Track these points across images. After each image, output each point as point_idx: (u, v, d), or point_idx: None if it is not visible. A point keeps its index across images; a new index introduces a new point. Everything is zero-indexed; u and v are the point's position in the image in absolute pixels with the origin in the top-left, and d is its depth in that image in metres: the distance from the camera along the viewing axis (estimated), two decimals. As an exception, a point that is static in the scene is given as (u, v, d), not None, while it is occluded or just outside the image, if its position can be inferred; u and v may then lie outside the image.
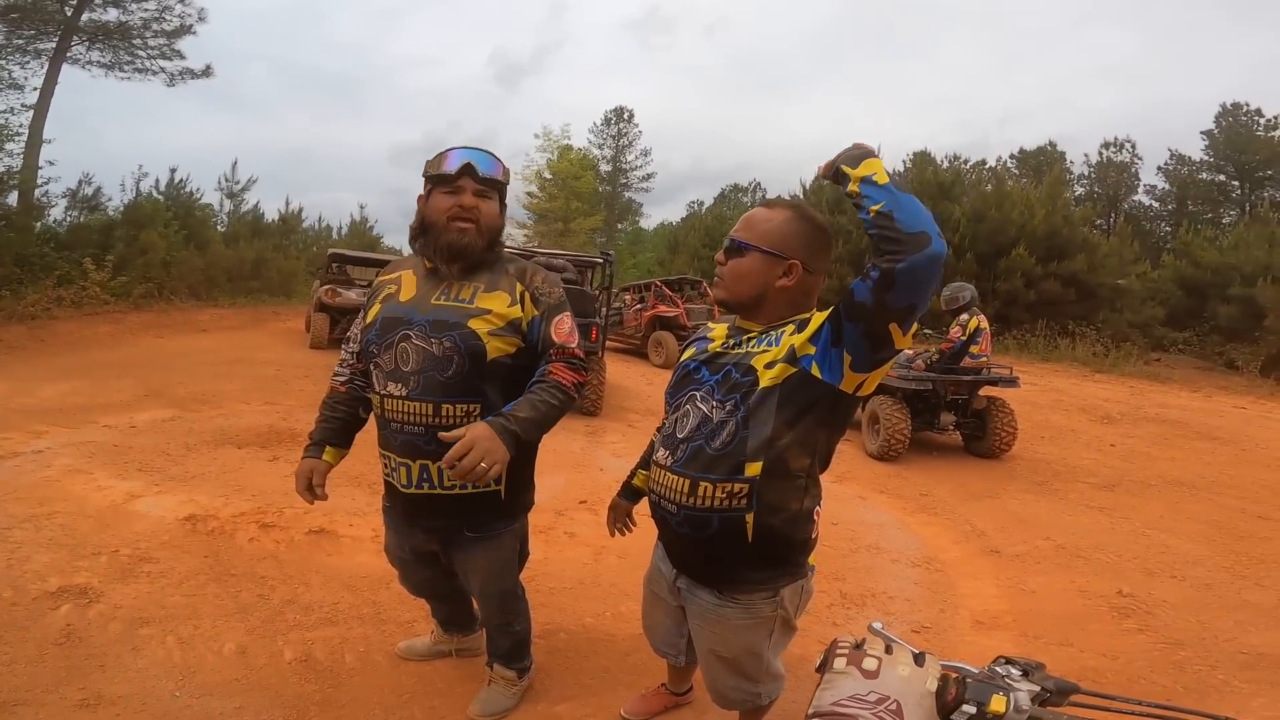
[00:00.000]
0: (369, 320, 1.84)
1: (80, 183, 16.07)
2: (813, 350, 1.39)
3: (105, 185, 16.79)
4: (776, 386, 1.42)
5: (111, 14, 15.58)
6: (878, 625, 0.97)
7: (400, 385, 1.73)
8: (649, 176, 43.40)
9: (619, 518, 2.00)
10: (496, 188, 1.80)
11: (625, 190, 43.27)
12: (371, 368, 1.82)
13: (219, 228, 20.16)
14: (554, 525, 3.76)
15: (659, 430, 1.83)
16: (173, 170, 18.33)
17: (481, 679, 2.20)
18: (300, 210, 24.75)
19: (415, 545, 1.98)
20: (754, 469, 1.43)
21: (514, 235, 29.16)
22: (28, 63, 14.66)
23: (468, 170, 1.72)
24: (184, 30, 16.36)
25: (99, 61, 16.04)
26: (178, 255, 15.15)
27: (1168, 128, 57.03)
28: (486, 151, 1.77)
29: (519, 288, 1.78)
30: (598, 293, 8.16)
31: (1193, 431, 7.98)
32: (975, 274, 16.12)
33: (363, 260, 13.31)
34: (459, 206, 1.73)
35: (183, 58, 16.70)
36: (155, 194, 17.46)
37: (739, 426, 1.44)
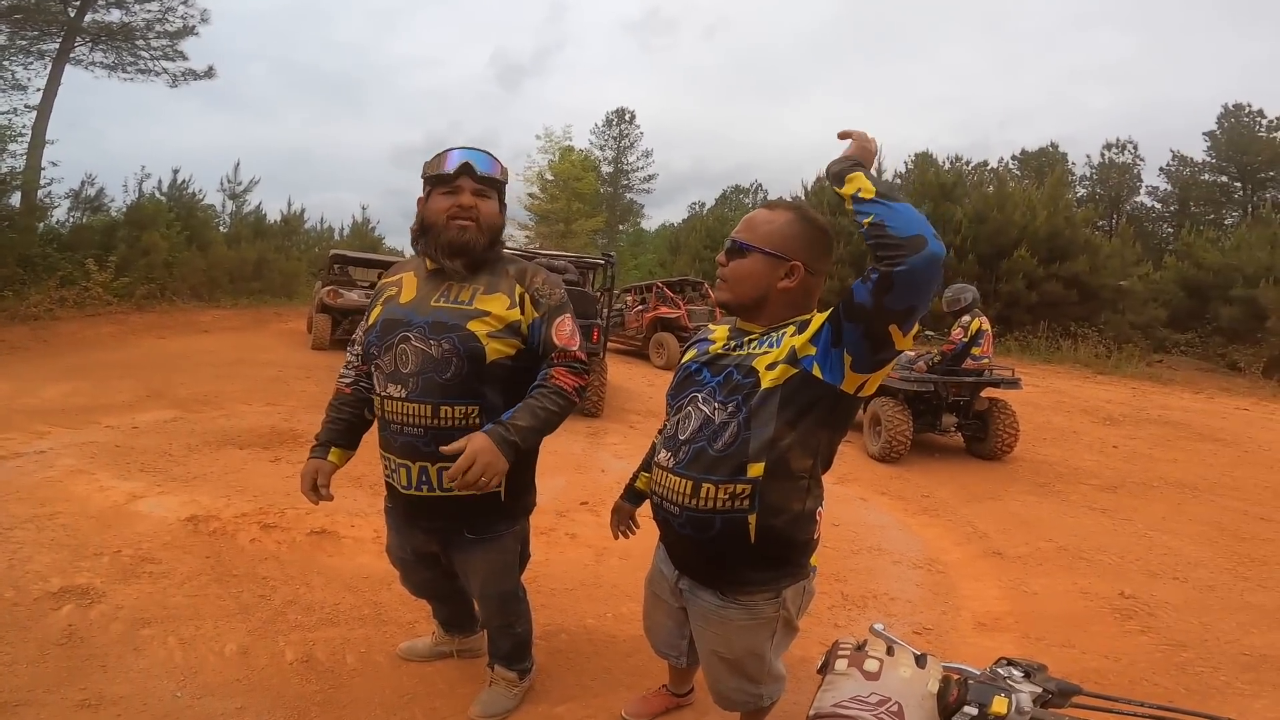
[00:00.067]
0: (370, 322, 1.85)
1: (83, 183, 16.11)
2: (813, 351, 1.39)
3: (108, 186, 16.83)
4: (778, 387, 1.42)
5: (115, 15, 15.62)
6: (879, 627, 0.97)
7: (400, 387, 1.73)
8: (650, 178, 43.47)
9: (622, 520, 2.00)
10: (495, 187, 1.80)
11: (626, 191, 43.30)
12: (372, 369, 1.82)
13: (221, 229, 20.21)
14: (555, 526, 3.76)
15: (660, 432, 1.83)
16: (175, 171, 18.40)
17: (482, 680, 2.20)
18: (302, 211, 24.84)
19: (416, 546, 1.98)
20: (756, 470, 1.43)
21: (515, 236, 29.19)
22: (31, 63, 14.66)
23: (466, 170, 1.73)
24: (187, 31, 16.39)
25: (102, 62, 16.08)
26: (180, 256, 15.18)
27: (1169, 129, 56.99)
28: (484, 151, 1.78)
29: (518, 289, 1.77)
30: (599, 294, 8.16)
31: (1195, 433, 7.97)
32: (977, 275, 16.10)
33: (364, 261, 13.32)
34: (458, 206, 1.73)
35: (185, 59, 16.73)
36: (158, 195, 17.49)
37: (741, 428, 1.44)
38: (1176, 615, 3.22)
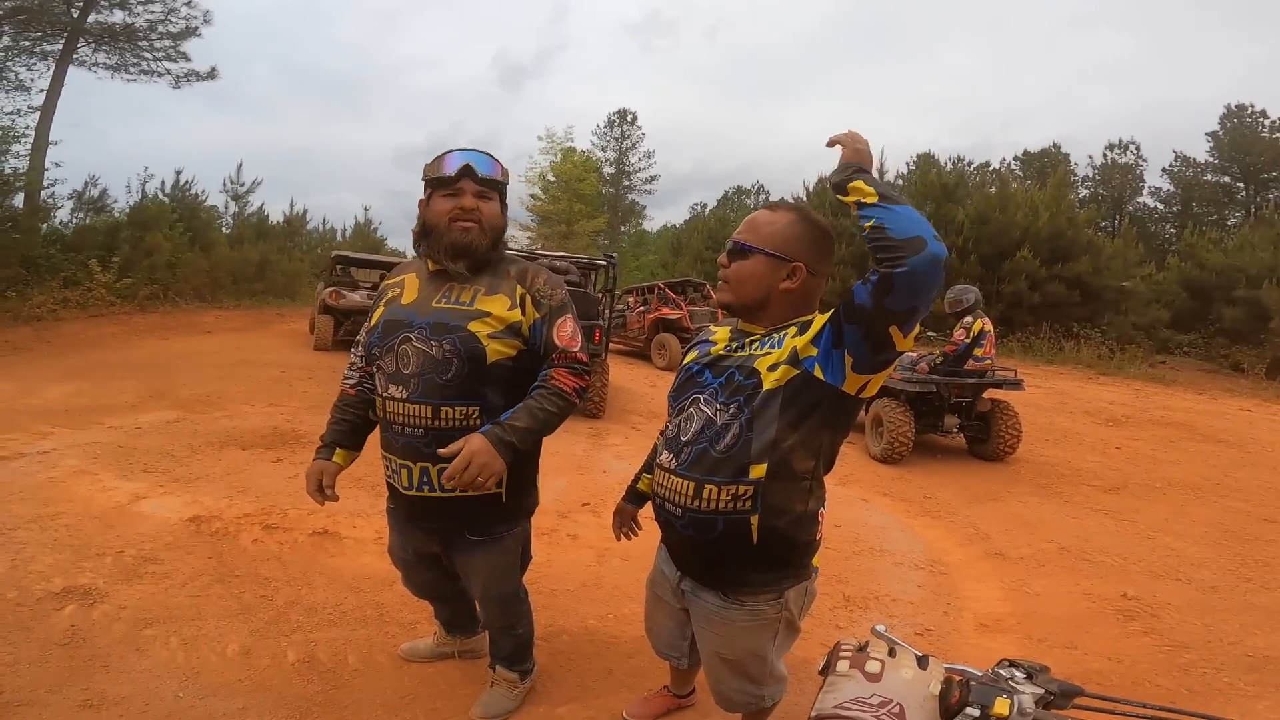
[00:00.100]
0: (373, 323, 1.85)
1: (86, 184, 16.14)
2: (815, 352, 1.39)
3: (111, 187, 16.83)
4: (780, 389, 1.42)
5: (117, 16, 15.64)
6: (881, 628, 0.97)
7: (401, 388, 1.74)
8: (652, 179, 43.41)
9: (624, 522, 2.00)
10: (496, 188, 1.80)
11: (628, 192, 43.26)
12: (375, 370, 1.83)
13: (224, 229, 20.25)
14: (557, 527, 3.76)
15: (662, 433, 1.83)
16: (178, 172, 18.46)
17: (484, 681, 2.20)
18: (305, 212, 24.91)
19: (418, 547, 1.99)
20: (759, 471, 1.44)
21: (517, 237, 29.23)
22: (34, 64, 14.67)
23: (467, 172, 1.73)
24: (189, 32, 16.41)
25: (105, 63, 16.11)
26: (183, 257, 15.21)
27: (1172, 129, 56.96)
28: (484, 152, 1.78)
29: (519, 290, 1.77)
30: (601, 295, 8.16)
31: (1198, 434, 7.95)
32: (979, 276, 16.08)
33: (366, 262, 13.34)
34: (460, 208, 1.73)
35: (188, 59, 16.76)
36: (161, 196, 17.54)
37: (743, 429, 1.44)
38: (1179, 616, 3.21)
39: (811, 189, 21.87)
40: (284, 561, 3.09)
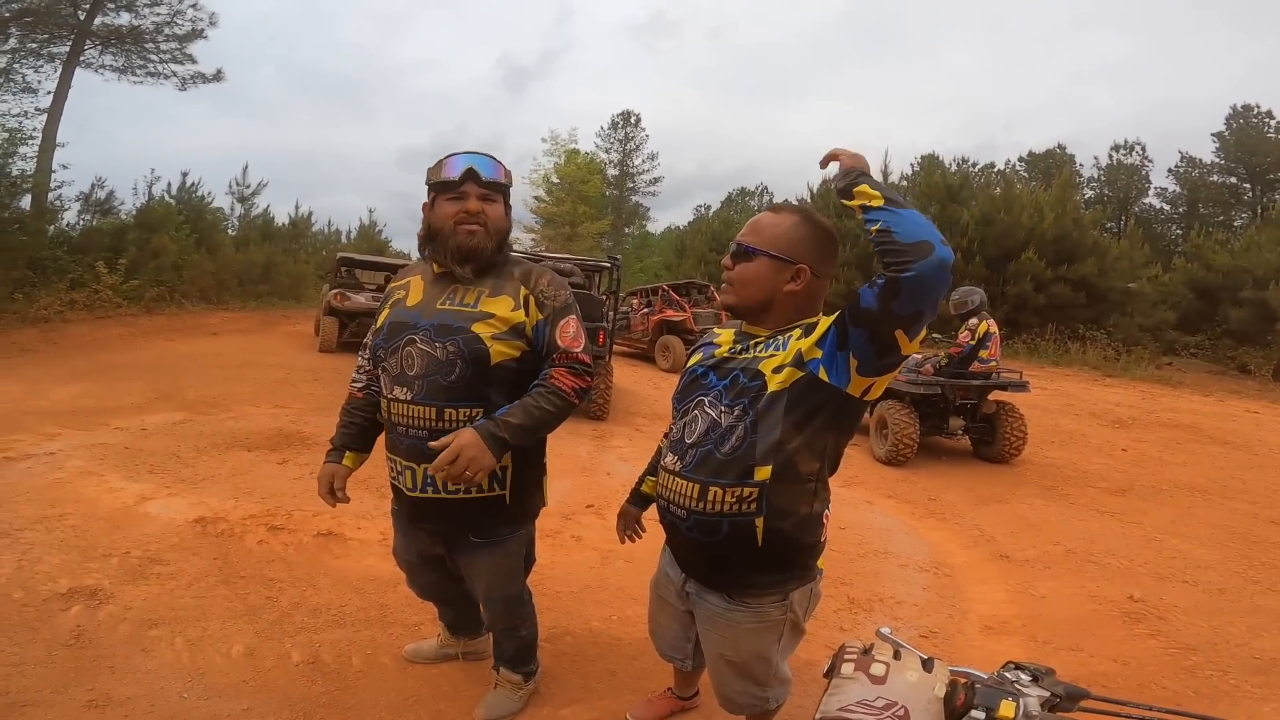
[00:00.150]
0: (378, 325, 1.86)
1: (93, 186, 16.20)
2: (819, 354, 1.39)
3: (117, 189, 16.91)
4: (784, 391, 1.42)
5: (124, 18, 15.73)
6: (886, 630, 0.97)
7: (405, 389, 1.74)
8: (655, 180, 43.40)
9: (628, 524, 2.00)
10: (500, 190, 1.80)
11: (632, 194, 43.26)
12: (380, 372, 1.83)
13: (229, 231, 20.31)
14: (561, 529, 3.76)
15: (666, 436, 1.83)
16: (184, 174, 18.49)
17: (488, 682, 2.20)
18: (310, 214, 24.96)
19: (422, 549, 1.99)
20: (763, 473, 1.43)
21: (521, 239, 29.27)
22: (41, 66, 14.74)
23: (470, 175, 1.73)
24: (195, 34, 16.50)
25: (111, 65, 16.19)
26: (189, 259, 15.25)
27: (1178, 130, 56.73)
28: (487, 155, 1.78)
29: (523, 291, 1.77)
30: (605, 297, 8.17)
31: (1205, 436, 7.91)
32: (984, 278, 16.04)
33: (371, 264, 13.36)
34: (465, 211, 1.73)
35: (194, 62, 16.85)
36: (167, 198, 17.60)
37: (748, 431, 1.44)
38: (1186, 619, 3.20)
39: (815, 190, 21.85)
40: (289, 563, 3.10)
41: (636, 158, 43.01)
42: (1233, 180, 30.78)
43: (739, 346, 1.56)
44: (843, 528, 4.11)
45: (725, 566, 1.54)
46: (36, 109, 14.08)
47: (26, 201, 12.57)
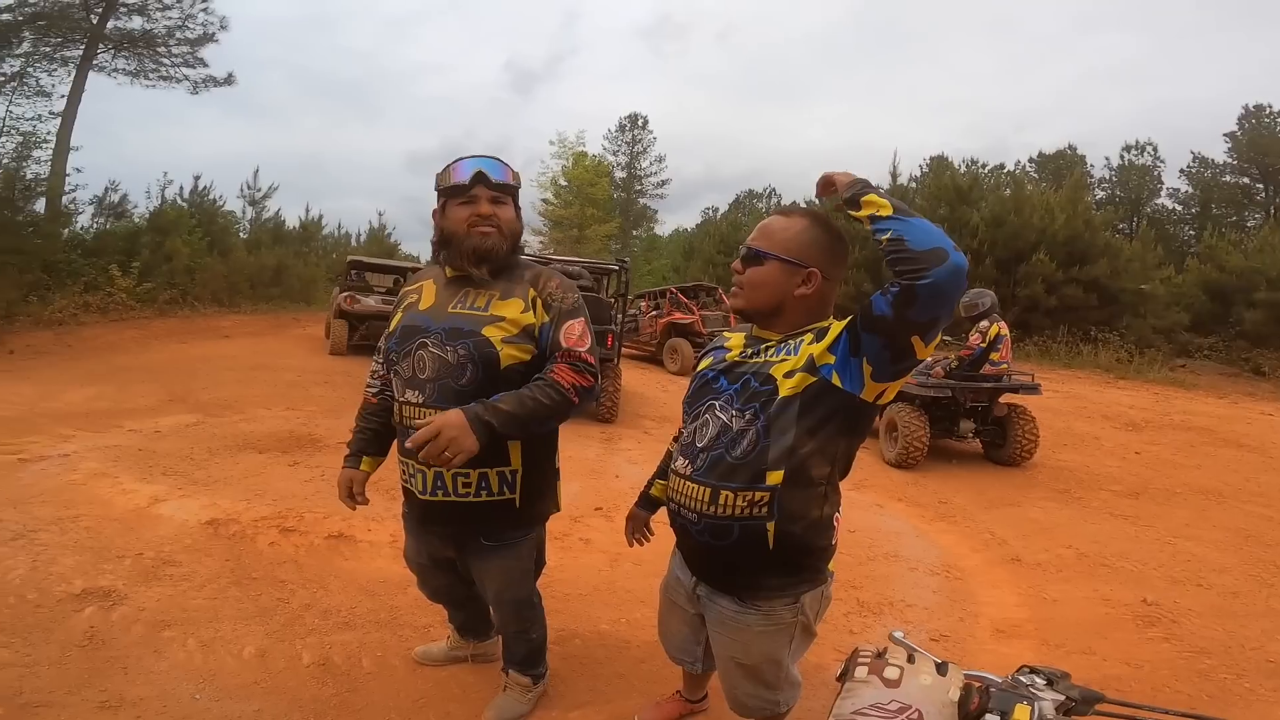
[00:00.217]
0: (391, 328, 1.87)
1: (107, 190, 16.38)
2: (832, 360, 1.39)
3: (130, 192, 17.09)
4: (796, 396, 1.41)
5: (136, 22, 15.89)
6: (899, 634, 0.96)
7: (417, 393, 1.75)
8: (663, 183, 43.40)
9: (637, 527, 2.00)
10: (510, 192, 1.81)
11: (640, 197, 43.28)
12: (392, 375, 1.84)
13: (241, 235, 20.46)
14: (569, 532, 3.77)
15: (675, 439, 1.83)
16: (196, 178, 18.69)
17: (497, 685, 2.21)
18: (320, 217, 25.14)
19: (433, 552, 2.00)
20: (775, 477, 1.43)
21: (529, 242, 29.29)
22: (55, 70, 14.88)
23: (480, 179, 1.73)
24: (206, 38, 16.67)
25: (124, 69, 16.35)
26: (201, 262, 15.38)
27: (1190, 130, 56.12)
28: (494, 158, 1.78)
29: (531, 293, 1.77)
30: (613, 300, 8.18)
31: (1219, 439, 7.84)
32: (995, 280, 15.95)
33: (381, 267, 13.44)
34: (477, 215, 1.73)
35: (205, 65, 17.01)
36: (180, 201, 17.75)
37: (760, 435, 1.44)
38: (1200, 622, 3.17)
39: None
40: (300, 565, 3.11)
41: (644, 160, 43.07)
42: (1245, 181, 30.47)
43: (750, 350, 1.55)
44: (852, 531, 4.09)
45: (736, 570, 1.54)
46: (50, 112, 14.20)
47: (41, 205, 12.73)
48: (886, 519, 4.57)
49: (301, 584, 2.93)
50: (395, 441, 1.92)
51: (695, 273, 24.74)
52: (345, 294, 11.00)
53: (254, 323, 14.79)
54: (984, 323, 6.03)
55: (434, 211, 1.83)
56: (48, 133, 13.33)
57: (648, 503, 1.97)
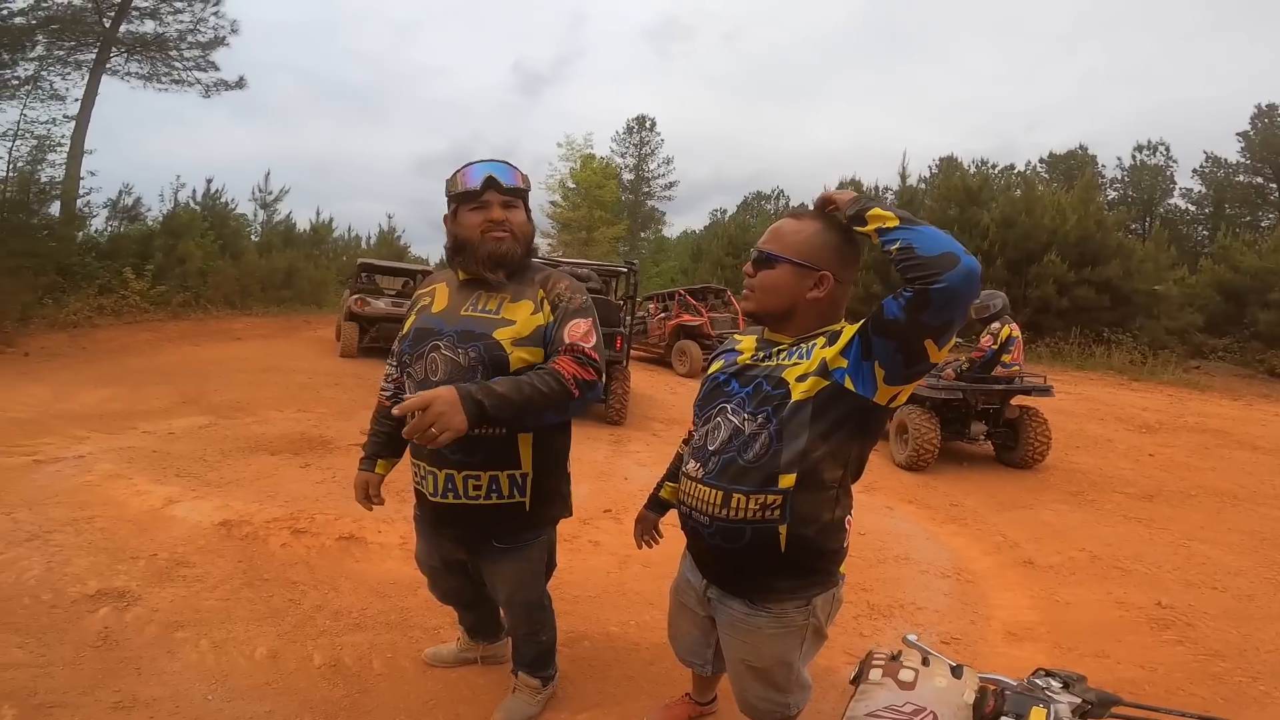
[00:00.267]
0: (405, 331, 1.88)
1: (120, 193, 16.49)
2: (844, 364, 1.38)
3: (143, 195, 17.21)
4: (809, 399, 1.41)
5: (148, 25, 16.01)
6: (912, 637, 0.96)
7: None
8: (671, 185, 43.35)
9: (646, 530, 2.00)
10: (520, 196, 1.81)
11: (648, 199, 43.27)
12: (405, 377, 1.85)
13: (253, 237, 20.60)
14: (579, 534, 3.77)
15: (685, 442, 1.83)
16: (209, 181, 18.81)
17: (506, 686, 2.21)
18: (330, 220, 25.28)
19: (444, 554, 2.00)
20: (787, 481, 1.43)
21: (537, 244, 29.31)
22: (69, 74, 14.95)
23: (491, 184, 1.73)
24: (218, 42, 16.78)
25: (138, 73, 16.49)
26: (214, 265, 15.50)
27: (1202, 130, 55.70)
28: (503, 162, 1.78)
29: (540, 294, 1.77)
30: (622, 302, 8.18)
31: (1234, 441, 7.76)
32: (1006, 281, 15.86)
33: (391, 270, 13.50)
34: (490, 220, 1.74)
35: (217, 69, 17.14)
36: (192, 204, 17.89)
37: (773, 439, 1.43)
38: (1214, 625, 3.14)
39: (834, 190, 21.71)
40: (311, 566, 3.13)
41: (652, 162, 43.06)
42: (1259, 180, 30.17)
43: (761, 354, 1.55)
44: (862, 533, 4.08)
45: (748, 572, 1.54)
46: (65, 116, 14.22)
47: (56, 208, 12.84)
48: (897, 521, 4.55)
49: (313, 585, 2.94)
50: (410, 442, 1.92)
51: (703, 275, 24.72)
52: (355, 297, 11.05)
53: (265, 325, 14.90)
54: (995, 324, 6.01)
55: (445, 217, 1.84)
56: (62, 136, 13.41)
57: (657, 505, 1.97)
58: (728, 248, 26.46)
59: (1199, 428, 8.45)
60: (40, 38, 14.06)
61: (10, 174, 11.57)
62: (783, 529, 1.45)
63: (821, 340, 1.46)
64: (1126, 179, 34.13)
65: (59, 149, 12.94)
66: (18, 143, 11.83)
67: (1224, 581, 3.68)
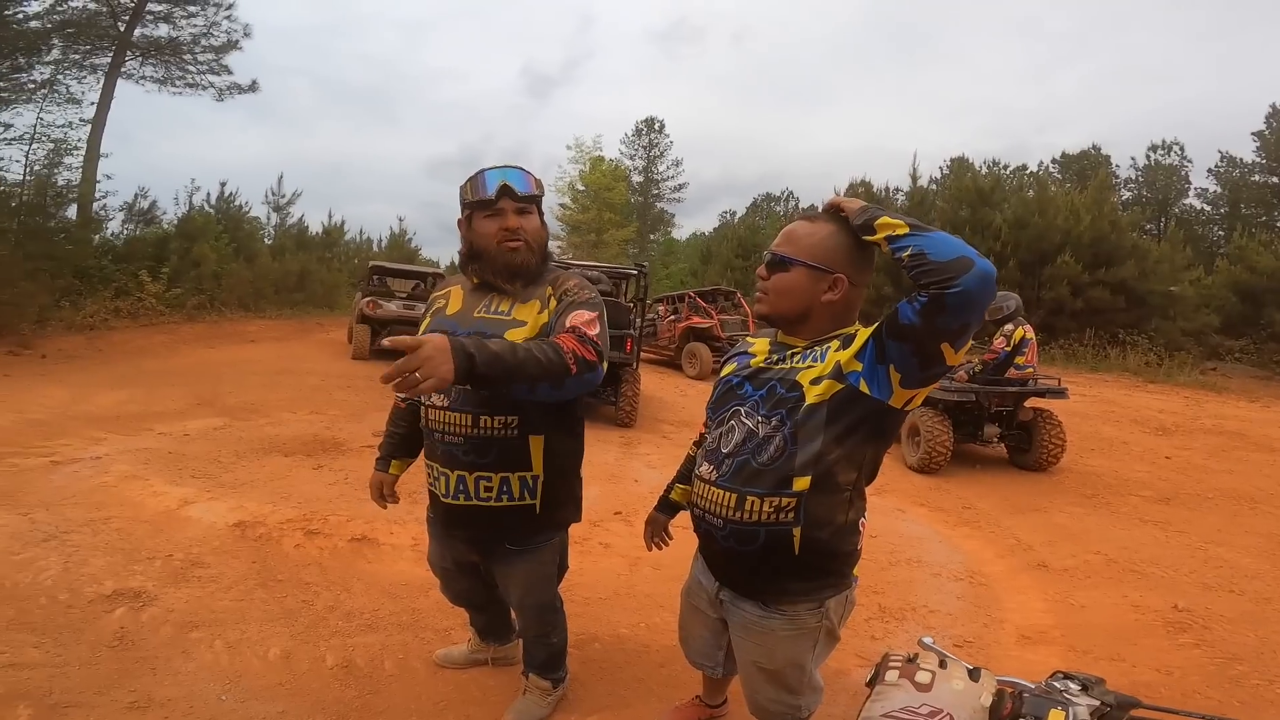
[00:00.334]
0: (420, 333, 1.88)
1: (136, 196, 16.65)
2: (859, 367, 1.38)
3: (158, 198, 17.36)
4: (824, 403, 1.41)
5: (162, 29, 16.18)
6: (928, 640, 0.95)
7: (442, 396, 1.76)
8: (680, 187, 43.36)
9: (656, 532, 2.00)
10: (534, 202, 1.81)
11: (657, 201, 43.27)
12: None
13: (266, 240, 20.77)
14: (589, 536, 3.77)
15: (696, 444, 1.83)
16: (222, 184, 19.02)
17: (517, 688, 2.21)
18: (342, 223, 25.47)
19: (457, 556, 2.01)
20: (802, 484, 1.42)
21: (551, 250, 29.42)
22: (84, 78, 15.10)
23: (505, 192, 1.73)
24: (231, 46, 16.95)
25: (152, 76, 16.66)
26: (228, 268, 15.64)
27: (1217, 129, 55.15)
28: (517, 168, 1.78)
29: (548, 291, 1.78)
30: (632, 304, 8.18)
31: (1251, 443, 7.67)
32: (1019, 282, 15.75)
33: (402, 273, 13.57)
34: (505, 229, 1.73)
35: (230, 73, 17.30)
36: (207, 207, 18.06)
37: (787, 442, 1.43)
38: (1231, 628, 3.10)
39: (842, 196, 21.65)
40: (324, 567, 3.15)
41: (661, 164, 43.08)
42: (1275, 180, 29.78)
43: (775, 357, 1.54)
44: (874, 536, 4.06)
45: (761, 575, 1.53)
46: (81, 119, 14.32)
47: (73, 211, 12.98)
48: (908, 524, 4.52)
49: (325, 586, 2.96)
50: (424, 443, 1.92)
51: (713, 277, 24.70)
52: (367, 299, 11.12)
53: (278, 328, 15.01)
54: (1008, 326, 5.96)
55: (459, 222, 1.84)
56: (78, 140, 13.51)
57: (667, 507, 1.97)
58: (737, 249, 26.43)
59: (1216, 430, 8.36)
60: (56, 41, 14.22)
61: (27, 177, 11.70)
62: (797, 531, 1.45)
63: (836, 343, 1.45)
64: (1141, 179, 33.86)
65: (75, 152, 13.07)
66: (35, 146, 11.96)
67: (1241, 585, 3.64)
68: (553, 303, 1.76)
